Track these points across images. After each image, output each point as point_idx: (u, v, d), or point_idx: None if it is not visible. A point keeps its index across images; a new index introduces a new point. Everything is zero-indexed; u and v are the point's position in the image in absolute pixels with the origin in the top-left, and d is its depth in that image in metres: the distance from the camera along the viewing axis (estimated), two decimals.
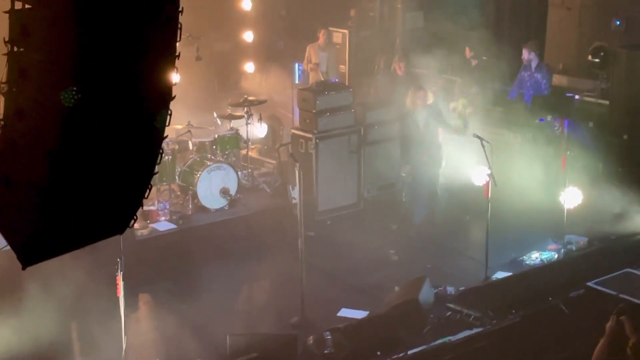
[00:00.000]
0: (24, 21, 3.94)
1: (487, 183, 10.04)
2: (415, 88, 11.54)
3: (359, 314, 9.29)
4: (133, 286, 8.75)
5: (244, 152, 12.97)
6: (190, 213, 11.55)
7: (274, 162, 13.27)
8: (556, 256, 10.59)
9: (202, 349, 8.63)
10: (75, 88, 3.87)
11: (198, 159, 11.98)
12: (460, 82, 14.12)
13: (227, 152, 12.45)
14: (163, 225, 11.13)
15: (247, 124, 12.87)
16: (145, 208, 10.77)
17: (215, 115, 13.37)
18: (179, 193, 12.07)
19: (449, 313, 9.12)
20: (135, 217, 4.60)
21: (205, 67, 14.21)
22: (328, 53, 14.95)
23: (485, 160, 10.12)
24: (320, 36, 14.89)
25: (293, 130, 12.45)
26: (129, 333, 8.09)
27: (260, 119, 13.36)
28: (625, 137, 12.12)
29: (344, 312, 9.40)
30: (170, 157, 11.69)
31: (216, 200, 11.74)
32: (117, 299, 7.72)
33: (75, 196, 4.19)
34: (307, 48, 15.01)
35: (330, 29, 16.51)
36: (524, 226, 11.25)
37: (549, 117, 12.55)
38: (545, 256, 10.59)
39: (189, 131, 12.57)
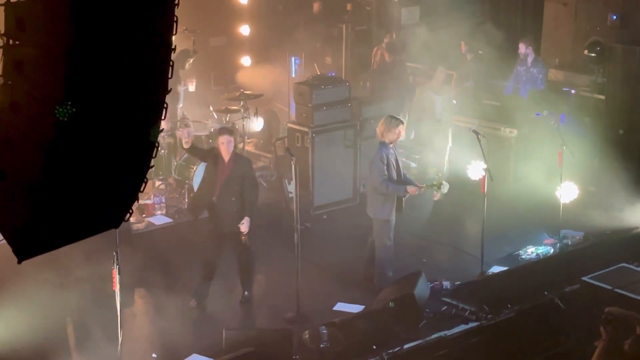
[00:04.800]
0: (19, 14, 3.93)
1: (484, 177, 10.04)
2: (394, 121, 9.59)
3: (355, 309, 9.29)
4: (129, 280, 8.75)
5: (240, 146, 12.96)
6: (186, 207, 11.54)
7: (270, 156, 13.27)
8: (552, 251, 10.61)
9: (198, 344, 8.62)
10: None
11: None
12: (456, 76, 14.14)
13: None
14: (159, 219, 11.14)
15: (243, 118, 12.87)
16: (141, 202, 10.82)
17: (211, 109, 13.37)
18: (175, 187, 12.06)
19: (445, 307, 9.13)
20: (130, 211, 4.60)
21: (201, 61, 14.17)
22: (442, 97, 12.80)
23: (482, 154, 10.12)
24: (438, 74, 12.89)
25: (289, 125, 12.45)
26: (125, 327, 8.09)
27: (256, 113, 13.37)
28: (621, 131, 12.13)
29: (340, 307, 9.41)
30: (166, 151, 11.70)
31: None
32: (113, 293, 7.71)
33: (70, 190, 4.18)
34: (417, 91, 13.13)
35: (327, 23, 16.53)
36: (519, 221, 11.27)
37: (545, 112, 12.57)
38: (541, 251, 10.60)
39: (186, 125, 12.57)
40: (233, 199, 9.25)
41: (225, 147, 9.25)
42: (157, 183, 12.01)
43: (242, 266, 9.59)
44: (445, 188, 9.58)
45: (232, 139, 9.34)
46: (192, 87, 13.29)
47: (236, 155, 9.47)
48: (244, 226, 9.25)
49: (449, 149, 12.22)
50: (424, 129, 12.32)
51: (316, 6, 16.26)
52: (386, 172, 9.42)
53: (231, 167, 9.28)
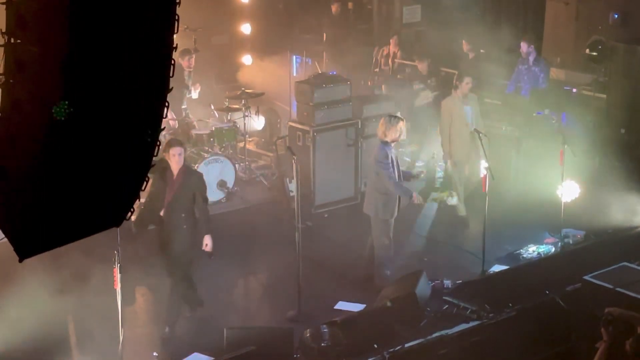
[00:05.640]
0: (20, 13, 3.93)
1: (485, 176, 10.04)
2: (394, 119, 9.61)
3: (356, 308, 9.29)
4: (130, 279, 8.75)
5: (241, 144, 12.97)
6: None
7: (271, 155, 13.27)
8: (553, 250, 10.60)
9: (199, 342, 8.63)
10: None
11: (195, 152, 11.98)
12: (457, 75, 14.13)
13: (224, 145, 12.47)
14: None
15: (244, 116, 12.87)
16: (142, 200, 10.81)
17: (212, 107, 13.37)
18: None
19: (446, 306, 9.13)
20: (132, 210, 4.59)
21: (202, 59, 14.18)
22: (472, 106, 11.55)
23: (483, 153, 10.12)
24: (464, 85, 11.42)
25: (290, 123, 12.43)
26: (126, 326, 8.09)
27: (257, 112, 13.36)
28: (622, 130, 12.13)
29: (341, 306, 9.40)
30: None
31: (213, 192, 11.73)
32: (114, 291, 7.71)
33: (71, 188, 4.18)
34: (442, 104, 11.86)
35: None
36: (521, 220, 11.26)
37: (546, 111, 12.55)
38: (542, 250, 10.59)
39: (187, 123, 12.58)
40: (183, 215, 8.67)
41: (177, 159, 8.64)
42: None
43: (174, 295, 8.88)
44: (452, 200, 9.99)
45: (183, 150, 8.76)
46: (195, 95, 13.14)
47: (186, 168, 8.87)
48: (208, 246, 8.80)
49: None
50: (458, 143, 11.33)
51: (334, 7, 16.22)
52: (394, 173, 9.44)
53: (181, 181, 8.68)
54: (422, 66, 14.10)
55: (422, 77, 13.94)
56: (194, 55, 12.90)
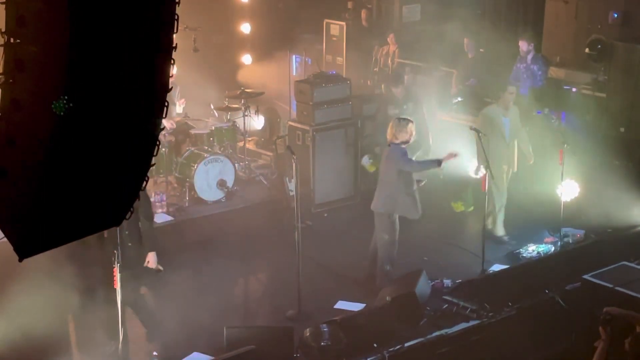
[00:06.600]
0: (20, 12, 3.93)
1: (484, 176, 10.04)
2: (403, 121, 9.57)
3: (356, 307, 9.29)
4: (130, 278, 8.74)
5: (241, 144, 12.97)
6: (187, 205, 11.56)
7: (271, 154, 13.27)
8: (553, 249, 10.60)
9: (199, 342, 8.63)
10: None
11: (195, 151, 11.99)
12: (457, 74, 14.13)
13: (224, 144, 12.47)
14: (160, 217, 11.14)
15: (244, 116, 12.87)
16: None
17: (212, 107, 13.37)
18: (175, 185, 12.07)
19: (446, 306, 9.13)
20: (132, 209, 4.60)
21: (202, 58, 14.18)
22: (511, 118, 11.01)
23: (483, 153, 10.12)
24: (507, 95, 10.86)
25: (290, 123, 12.45)
26: (126, 325, 8.09)
27: (257, 111, 13.37)
28: (622, 129, 12.13)
29: (341, 305, 9.41)
30: (167, 149, 11.69)
31: (213, 192, 11.75)
32: (114, 291, 7.71)
33: (71, 188, 4.18)
34: (481, 114, 11.19)
35: (327, 21, 16.54)
36: (520, 219, 11.26)
37: (546, 110, 12.55)
38: (542, 249, 10.60)
39: (186, 123, 12.58)
40: (127, 232, 8.17)
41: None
42: (159, 180, 12.01)
43: (139, 309, 8.67)
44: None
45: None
46: (179, 109, 12.95)
47: None
48: (151, 263, 8.38)
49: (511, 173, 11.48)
50: (494, 156, 10.55)
51: (364, 14, 16.15)
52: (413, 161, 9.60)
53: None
54: (397, 91, 12.51)
55: (397, 101, 13.33)
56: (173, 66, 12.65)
